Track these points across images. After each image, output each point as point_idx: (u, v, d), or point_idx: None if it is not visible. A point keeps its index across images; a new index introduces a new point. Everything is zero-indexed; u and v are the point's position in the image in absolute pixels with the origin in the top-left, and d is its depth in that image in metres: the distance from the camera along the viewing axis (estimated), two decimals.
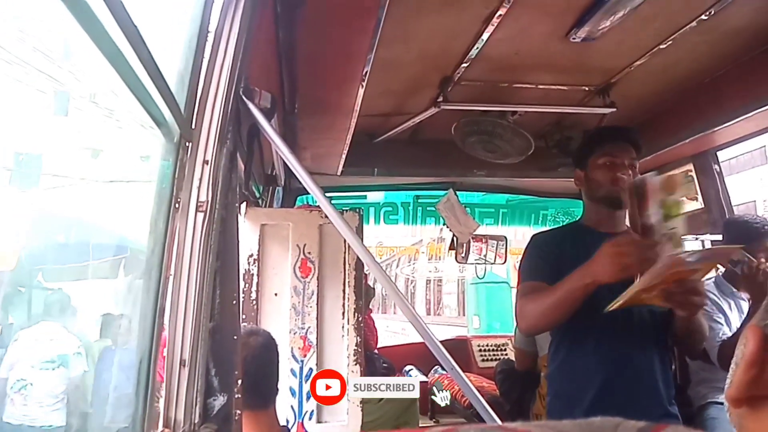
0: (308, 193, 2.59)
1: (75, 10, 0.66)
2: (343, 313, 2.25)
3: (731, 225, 2.44)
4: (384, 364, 3.82)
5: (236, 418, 1.07)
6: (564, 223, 3.63)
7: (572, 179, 1.92)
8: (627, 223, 1.74)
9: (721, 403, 2.25)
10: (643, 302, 1.49)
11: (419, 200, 3.84)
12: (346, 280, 2.27)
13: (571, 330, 1.73)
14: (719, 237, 2.61)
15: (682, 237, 1.55)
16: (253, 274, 2.20)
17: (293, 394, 2.15)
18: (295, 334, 2.19)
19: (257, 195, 2.48)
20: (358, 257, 2.19)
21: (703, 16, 1.80)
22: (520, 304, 1.74)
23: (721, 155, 2.79)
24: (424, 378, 4.42)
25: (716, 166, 2.72)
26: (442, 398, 3.99)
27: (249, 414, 1.37)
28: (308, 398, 2.16)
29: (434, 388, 4.14)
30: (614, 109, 2.43)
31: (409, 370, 4.49)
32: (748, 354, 0.48)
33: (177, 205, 1.02)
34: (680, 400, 2.01)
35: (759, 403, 0.48)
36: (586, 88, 2.42)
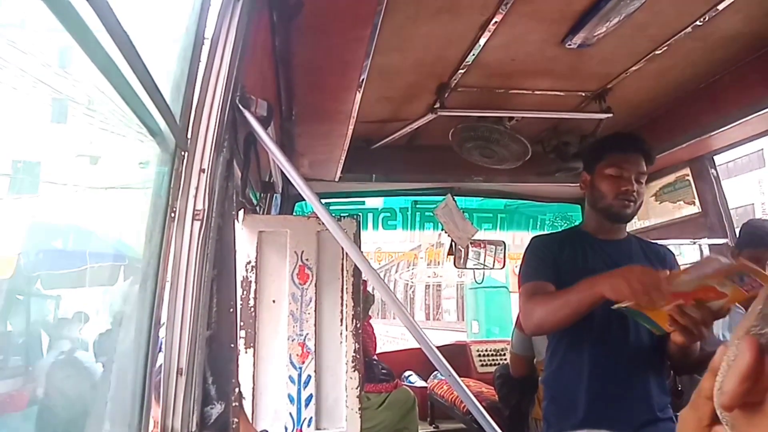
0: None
1: (65, 21, 0.66)
2: (342, 320, 2.24)
3: (748, 228, 2.42)
4: (383, 370, 3.82)
5: (234, 426, 1.07)
6: (561, 228, 3.64)
7: (569, 184, 1.92)
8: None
9: None
10: (647, 313, 1.45)
11: (417, 206, 3.85)
12: (344, 287, 2.27)
13: (567, 336, 1.73)
14: (722, 240, 2.62)
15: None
16: (251, 281, 2.19)
17: (291, 401, 2.15)
18: (293, 340, 2.19)
19: (255, 202, 2.48)
20: (356, 263, 2.19)
21: (697, 23, 1.82)
22: (526, 305, 1.70)
23: (719, 159, 2.80)
24: (423, 383, 4.42)
25: (713, 170, 2.73)
26: None
27: None
28: (307, 405, 2.16)
29: None
30: (610, 115, 2.44)
31: (409, 376, 4.50)
32: (744, 366, 0.46)
33: (173, 214, 1.02)
34: (681, 405, 2.01)
35: (752, 409, 0.47)
36: (583, 94, 2.43)
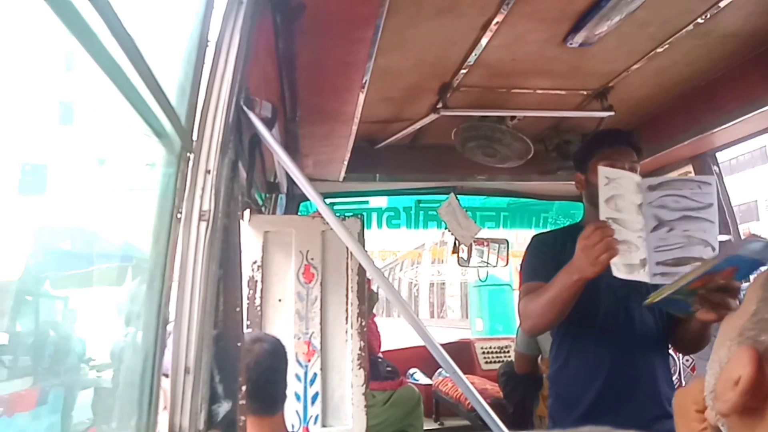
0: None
1: (70, 24, 0.67)
2: (347, 318, 2.26)
3: None
4: (388, 368, 3.83)
5: (240, 424, 1.08)
6: (564, 225, 3.65)
7: (571, 182, 1.94)
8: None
9: None
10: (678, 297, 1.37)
11: (421, 205, 3.86)
12: (349, 285, 2.29)
13: (572, 332, 1.74)
14: (725, 237, 2.63)
15: None
16: (257, 281, 2.21)
17: (298, 398, 2.17)
18: (299, 339, 2.21)
19: (260, 202, 2.50)
20: (360, 262, 2.21)
21: (698, 20, 1.82)
22: (522, 305, 1.73)
23: (721, 156, 2.81)
24: (428, 381, 4.44)
25: (715, 167, 2.74)
26: None
27: (253, 419, 1.39)
28: (313, 402, 2.18)
29: None
30: (612, 113, 2.45)
31: (413, 373, 4.51)
32: (746, 381, 0.46)
33: (179, 215, 1.04)
34: None
35: (749, 414, 0.47)
36: (584, 92, 2.43)
